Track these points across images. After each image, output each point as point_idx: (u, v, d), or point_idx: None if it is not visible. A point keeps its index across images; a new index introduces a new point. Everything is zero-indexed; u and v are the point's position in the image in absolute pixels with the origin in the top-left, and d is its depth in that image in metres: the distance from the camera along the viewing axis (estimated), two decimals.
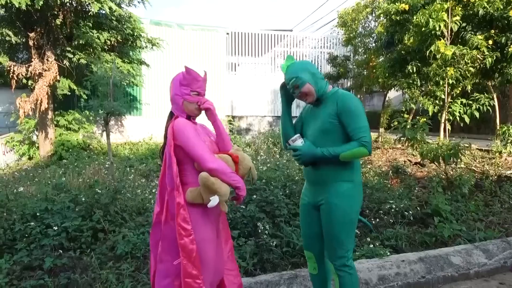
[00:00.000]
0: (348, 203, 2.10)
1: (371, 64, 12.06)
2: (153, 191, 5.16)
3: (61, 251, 3.20)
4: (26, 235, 3.35)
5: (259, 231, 3.48)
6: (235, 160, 1.98)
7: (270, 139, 10.80)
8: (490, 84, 8.41)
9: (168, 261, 1.99)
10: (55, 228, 3.36)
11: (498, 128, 8.16)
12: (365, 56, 12.72)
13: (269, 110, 13.92)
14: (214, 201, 1.84)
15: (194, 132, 1.92)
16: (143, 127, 12.03)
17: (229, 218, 3.62)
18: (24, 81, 9.41)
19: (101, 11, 9.48)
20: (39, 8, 7.73)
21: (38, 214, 3.62)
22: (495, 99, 8.47)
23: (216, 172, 1.86)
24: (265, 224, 3.54)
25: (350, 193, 2.11)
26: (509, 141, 7.46)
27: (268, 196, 3.93)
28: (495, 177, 6.16)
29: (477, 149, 8.25)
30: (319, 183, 2.18)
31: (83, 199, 3.93)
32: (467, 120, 7.92)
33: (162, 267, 2.01)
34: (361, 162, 5.25)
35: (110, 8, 8.78)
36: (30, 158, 10.04)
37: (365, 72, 12.60)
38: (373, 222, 4.00)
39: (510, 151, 7.56)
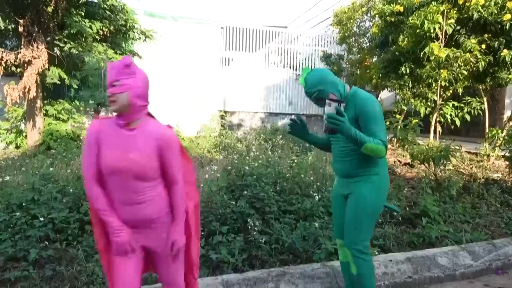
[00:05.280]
0: (375, 194, 2.23)
1: (364, 63, 12.10)
2: None
3: (46, 243, 3.15)
4: (11, 226, 3.29)
5: (249, 227, 3.47)
6: None
7: (262, 135, 10.78)
8: (480, 87, 8.50)
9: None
10: (41, 219, 3.30)
11: (487, 131, 8.26)
12: (358, 55, 12.75)
13: (261, 106, 13.88)
14: None
15: (88, 143, 1.72)
16: None
17: (219, 214, 3.61)
18: (13, 68, 9.22)
19: (93, 0, 9.33)
20: None
21: (24, 204, 3.55)
22: (485, 103, 8.57)
23: (88, 198, 1.74)
24: (254, 220, 3.53)
25: (377, 185, 2.23)
26: (497, 144, 7.56)
27: (258, 193, 3.92)
28: (483, 180, 6.24)
29: (466, 151, 8.35)
30: (348, 176, 2.29)
31: (71, 190, 3.87)
32: (458, 123, 8.00)
33: None
34: None
35: None
36: (17, 147, 9.85)
37: (358, 72, 12.64)
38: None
39: (498, 155, 7.66)
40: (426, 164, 5.45)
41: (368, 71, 11.23)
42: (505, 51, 6.64)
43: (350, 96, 2.19)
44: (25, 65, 8.86)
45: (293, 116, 2.43)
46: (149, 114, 1.82)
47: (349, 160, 2.25)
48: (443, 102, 8.25)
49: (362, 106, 2.10)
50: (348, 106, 2.17)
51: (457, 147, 5.34)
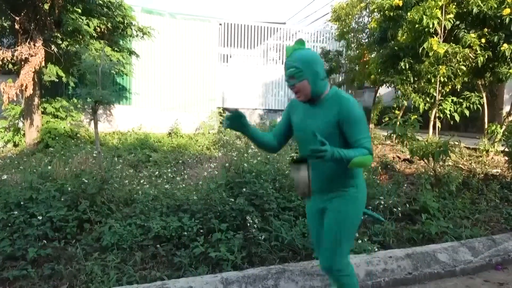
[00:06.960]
0: (352, 208, 2.08)
1: (363, 59, 12.07)
2: (141, 181, 5.10)
3: (45, 241, 3.13)
4: (9, 224, 3.27)
5: (248, 224, 3.46)
6: None
7: None
8: (479, 83, 8.48)
9: None
10: (40, 217, 3.28)
11: (486, 127, 8.25)
12: (357, 51, 12.72)
13: (260, 103, 13.86)
14: None
15: None
16: (132, 117, 11.86)
17: (218, 211, 3.60)
18: (10, 66, 9.17)
19: None
20: None
21: (22, 203, 3.53)
22: (484, 98, 8.55)
23: None
24: (254, 217, 3.52)
25: (354, 197, 2.09)
26: (496, 140, 7.55)
27: (257, 190, 3.90)
28: (482, 175, 6.23)
29: (465, 147, 8.33)
30: (324, 191, 2.12)
31: (69, 188, 3.85)
32: (457, 118, 7.99)
33: None
34: None
35: None
36: (15, 145, 9.82)
37: (357, 68, 12.61)
38: (361, 217, 4.01)
39: (497, 150, 7.66)
40: (426, 160, 5.43)
41: (366, 66, 11.20)
42: (505, 45, 6.63)
43: (330, 97, 2.01)
44: (22, 62, 8.81)
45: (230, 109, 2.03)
46: None
47: (321, 174, 2.05)
48: (442, 98, 8.24)
49: (348, 110, 1.93)
50: (328, 108, 1.99)
51: (456, 143, 5.32)
